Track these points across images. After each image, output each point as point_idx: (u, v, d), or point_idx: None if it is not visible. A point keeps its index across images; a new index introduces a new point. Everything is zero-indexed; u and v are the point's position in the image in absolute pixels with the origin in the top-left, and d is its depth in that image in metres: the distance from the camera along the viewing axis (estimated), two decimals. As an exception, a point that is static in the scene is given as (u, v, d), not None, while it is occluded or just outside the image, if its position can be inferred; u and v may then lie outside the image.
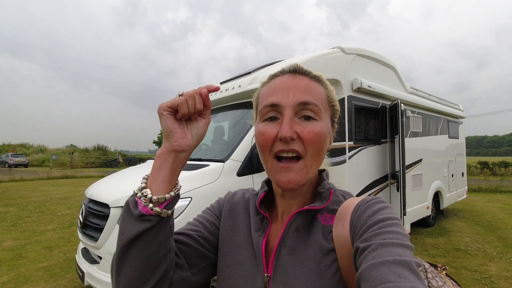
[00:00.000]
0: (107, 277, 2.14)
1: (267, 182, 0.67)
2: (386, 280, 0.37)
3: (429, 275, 0.59)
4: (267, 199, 0.68)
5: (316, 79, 0.60)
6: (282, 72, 0.61)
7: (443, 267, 0.64)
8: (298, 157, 0.55)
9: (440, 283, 0.58)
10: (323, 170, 0.65)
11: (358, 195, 3.34)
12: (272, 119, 0.57)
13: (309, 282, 0.52)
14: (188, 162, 2.78)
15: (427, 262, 0.63)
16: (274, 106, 0.56)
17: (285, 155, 0.55)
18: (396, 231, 0.45)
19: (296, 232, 0.58)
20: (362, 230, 0.48)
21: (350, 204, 0.55)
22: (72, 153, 31.40)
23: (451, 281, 0.62)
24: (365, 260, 0.42)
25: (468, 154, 7.09)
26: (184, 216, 2.16)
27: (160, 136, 30.92)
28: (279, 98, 0.56)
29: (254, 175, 2.58)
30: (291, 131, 0.53)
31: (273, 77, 0.62)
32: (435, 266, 0.64)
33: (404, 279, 0.37)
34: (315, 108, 0.56)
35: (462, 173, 6.93)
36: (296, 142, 0.54)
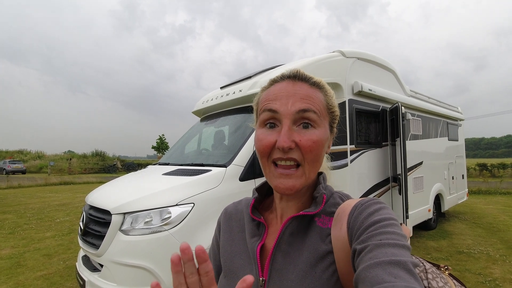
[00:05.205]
0: (108, 285, 2.10)
1: (258, 189, 0.68)
2: (382, 281, 0.37)
3: (430, 276, 0.59)
4: (266, 202, 0.70)
5: (316, 85, 0.60)
6: (282, 78, 0.60)
7: (446, 267, 0.64)
8: (297, 164, 0.56)
9: (441, 283, 0.58)
10: (321, 173, 0.66)
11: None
12: (271, 126, 0.57)
13: (304, 285, 0.53)
14: (190, 168, 2.76)
15: (429, 262, 0.63)
16: (273, 112, 0.57)
17: (283, 163, 0.56)
18: (393, 231, 0.45)
19: (291, 236, 0.58)
20: (359, 232, 0.48)
21: (347, 206, 0.56)
22: (70, 159, 31.23)
23: (454, 281, 0.62)
24: (362, 261, 0.43)
25: (466, 156, 7.13)
26: (187, 222, 2.13)
27: (158, 141, 30.77)
28: (278, 106, 0.56)
29: (257, 179, 2.56)
30: (289, 141, 0.54)
31: (273, 82, 0.62)
32: (437, 266, 0.63)
33: (399, 279, 0.37)
34: (313, 116, 0.56)
35: (462, 175, 6.93)
36: (294, 150, 0.55)
